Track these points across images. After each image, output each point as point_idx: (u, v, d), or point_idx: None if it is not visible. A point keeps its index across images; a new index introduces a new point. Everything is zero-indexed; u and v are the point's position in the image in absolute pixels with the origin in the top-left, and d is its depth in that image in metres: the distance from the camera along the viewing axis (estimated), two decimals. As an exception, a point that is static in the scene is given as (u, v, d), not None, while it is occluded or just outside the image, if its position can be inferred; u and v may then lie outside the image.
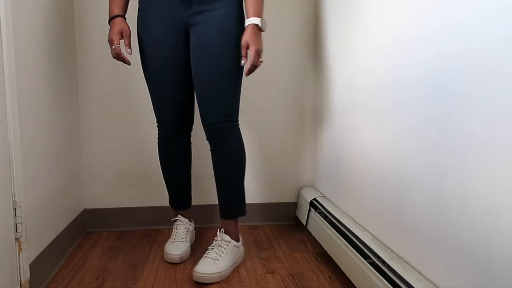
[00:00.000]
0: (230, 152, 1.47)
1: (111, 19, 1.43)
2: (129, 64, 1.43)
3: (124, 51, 1.42)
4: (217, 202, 1.54)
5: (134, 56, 1.78)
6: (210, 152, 1.50)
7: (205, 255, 1.44)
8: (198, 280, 1.37)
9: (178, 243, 1.57)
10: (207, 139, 1.49)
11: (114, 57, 1.41)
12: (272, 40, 1.86)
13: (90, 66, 1.78)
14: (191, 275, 1.42)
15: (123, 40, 1.42)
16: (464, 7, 0.86)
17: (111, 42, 1.39)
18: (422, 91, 1.01)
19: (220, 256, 1.42)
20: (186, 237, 1.60)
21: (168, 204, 1.72)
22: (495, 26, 0.77)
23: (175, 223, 1.65)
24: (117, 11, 1.43)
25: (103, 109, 1.81)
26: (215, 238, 1.48)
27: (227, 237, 1.47)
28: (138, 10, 1.47)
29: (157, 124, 1.57)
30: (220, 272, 1.39)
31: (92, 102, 1.80)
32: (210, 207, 1.76)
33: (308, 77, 1.92)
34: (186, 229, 1.62)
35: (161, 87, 1.48)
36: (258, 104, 1.90)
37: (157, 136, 1.59)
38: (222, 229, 1.49)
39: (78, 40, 1.76)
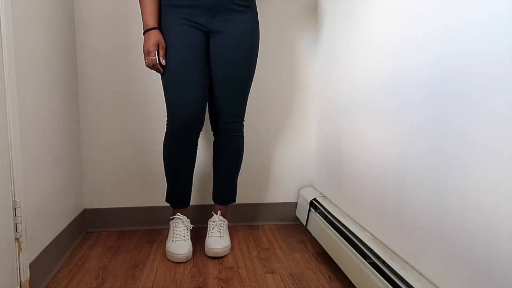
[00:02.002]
0: (236, 149, 1.66)
1: (146, 31, 1.47)
2: (162, 72, 1.49)
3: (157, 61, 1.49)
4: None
5: (135, 56, 1.79)
6: (213, 144, 1.68)
7: (210, 234, 1.63)
8: (213, 255, 1.57)
9: (181, 241, 1.57)
10: (215, 134, 1.66)
11: (148, 67, 1.48)
12: (274, 42, 1.87)
13: (90, 66, 1.78)
14: (191, 275, 1.43)
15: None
16: (464, 7, 0.86)
17: (148, 53, 1.45)
18: (422, 92, 1.01)
19: (223, 234, 1.64)
20: (187, 236, 1.60)
21: (167, 204, 1.72)
22: (496, 27, 0.77)
23: (173, 221, 1.64)
24: (152, 23, 1.47)
25: (103, 109, 1.81)
26: (212, 219, 1.68)
27: (223, 218, 1.69)
28: (160, 12, 1.51)
29: (166, 122, 1.56)
30: (227, 246, 1.61)
31: (92, 102, 1.80)
32: (210, 207, 1.76)
33: (309, 78, 1.92)
34: (186, 227, 1.62)
35: (181, 85, 1.49)
36: (259, 104, 1.90)
37: (164, 134, 1.57)
38: (219, 211, 1.69)
39: (78, 40, 1.77)
